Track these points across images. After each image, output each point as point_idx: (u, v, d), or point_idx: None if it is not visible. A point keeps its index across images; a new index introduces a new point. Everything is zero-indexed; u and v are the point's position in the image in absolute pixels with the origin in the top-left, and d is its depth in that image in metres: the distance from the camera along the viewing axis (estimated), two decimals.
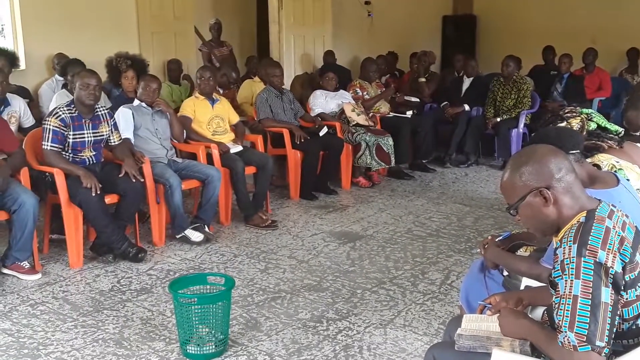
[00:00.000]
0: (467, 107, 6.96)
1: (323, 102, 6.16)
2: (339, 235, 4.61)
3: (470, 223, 4.90)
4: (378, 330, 3.12)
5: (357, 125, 6.04)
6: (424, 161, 6.72)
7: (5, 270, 3.76)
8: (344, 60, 8.27)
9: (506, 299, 2.04)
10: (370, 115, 6.30)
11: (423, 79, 7.47)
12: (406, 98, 7.15)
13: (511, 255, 2.43)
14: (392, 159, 5.99)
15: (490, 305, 2.04)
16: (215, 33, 7.55)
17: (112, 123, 4.27)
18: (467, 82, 7.21)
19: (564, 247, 1.66)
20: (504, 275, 2.51)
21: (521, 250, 2.58)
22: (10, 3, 5.94)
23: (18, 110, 4.67)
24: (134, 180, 4.08)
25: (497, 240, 2.55)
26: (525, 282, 2.28)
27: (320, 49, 8.01)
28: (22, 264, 3.75)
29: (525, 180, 1.77)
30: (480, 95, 7.03)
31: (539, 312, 2.05)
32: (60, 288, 3.64)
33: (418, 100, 7.22)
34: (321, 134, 5.71)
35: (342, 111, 6.14)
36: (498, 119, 6.80)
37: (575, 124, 3.11)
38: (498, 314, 1.92)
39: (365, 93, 6.55)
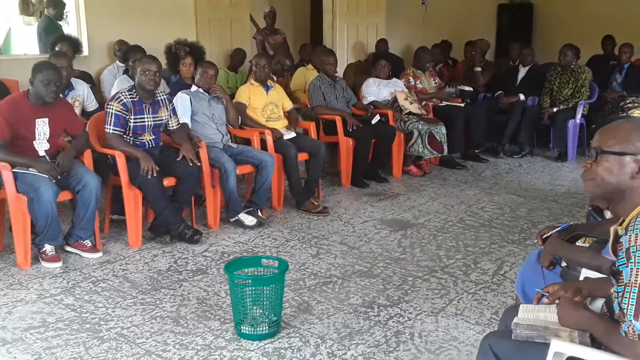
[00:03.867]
0: (522, 97, 6.83)
1: (376, 90, 6.15)
2: (390, 222, 4.62)
3: (524, 214, 4.82)
4: (429, 317, 3.13)
5: (410, 113, 6.01)
6: (476, 151, 6.64)
7: (69, 248, 3.91)
8: (396, 48, 8.22)
9: (565, 288, 2.02)
10: (423, 103, 6.25)
11: (478, 68, 7.36)
12: (460, 87, 7.06)
13: (571, 246, 2.39)
14: (445, 148, 5.95)
15: (548, 294, 2.02)
16: (270, 21, 7.62)
17: (170, 108, 4.38)
18: (522, 72, 7.07)
19: (630, 235, 1.63)
20: (562, 266, 2.48)
21: (580, 241, 2.54)
22: None
23: (82, 94, 4.84)
24: (191, 164, 4.18)
25: (555, 231, 2.51)
26: (585, 273, 2.25)
27: (374, 37, 7.98)
28: (84, 242, 3.90)
29: (638, 142, 1.71)
30: (536, 84, 6.88)
31: (598, 304, 2.01)
32: (120, 266, 3.77)
33: (472, 89, 7.12)
34: (373, 121, 5.71)
35: (394, 99, 6.11)
36: (554, 109, 6.64)
37: (638, 114, 3.03)
38: (556, 304, 1.90)
39: (418, 82, 6.51)
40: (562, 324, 1.85)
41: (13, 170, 3.67)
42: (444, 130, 5.93)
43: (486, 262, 3.85)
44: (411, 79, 6.47)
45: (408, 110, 6.01)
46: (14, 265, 3.73)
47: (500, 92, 6.97)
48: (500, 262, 3.85)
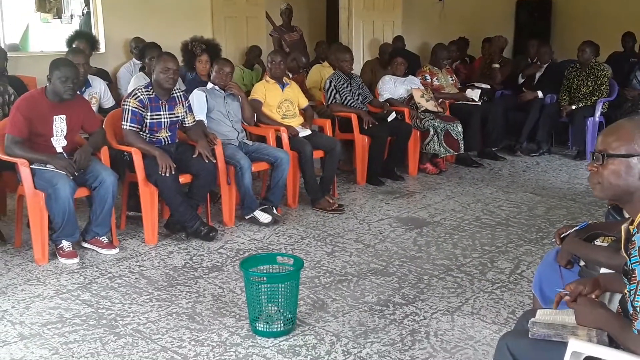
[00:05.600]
0: (540, 94, 6.76)
1: (392, 87, 6.13)
2: (405, 221, 4.60)
3: (541, 213, 4.77)
4: (445, 316, 3.10)
5: (426, 111, 5.97)
6: (493, 149, 6.59)
7: (86, 245, 3.94)
8: (413, 45, 8.18)
9: (582, 283, 1.99)
10: (440, 101, 6.21)
11: (496, 65, 7.30)
12: (477, 84, 7.01)
13: (589, 245, 2.36)
14: (461, 146, 5.91)
15: (568, 293, 1.98)
16: (286, 18, 7.62)
17: (186, 105, 4.39)
18: (541, 69, 7.00)
19: None
20: (580, 266, 2.45)
21: (598, 240, 2.51)
22: None
23: (98, 91, 4.87)
24: (206, 161, 4.19)
25: (573, 230, 2.48)
26: (603, 272, 2.21)
27: (390, 34, 7.95)
28: (101, 238, 3.93)
29: None
30: (555, 82, 6.81)
31: (615, 305, 1.99)
32: (136, 263, 3.79)
33: (489, 86, 7.06)
34: (389, 119, 5.68)
35: (410, 97, 6.08)
36: (573, 107, 6.58)
37: None
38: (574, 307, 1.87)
39: (434, 79, 6.47)
40: (579, 322, 1.83)
41: (31, 166, 3.70)
42: (460, 128, 5.89)
43: (503, 261, 3.82)
44: (428, 76, 6.43)
45: (424, 108, 5.98)
46: (31, 261, 3.76)
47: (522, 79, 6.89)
48: (517, 261, 3.82)
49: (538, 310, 2.09)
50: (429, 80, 6.41)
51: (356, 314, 3.13)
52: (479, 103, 6.52)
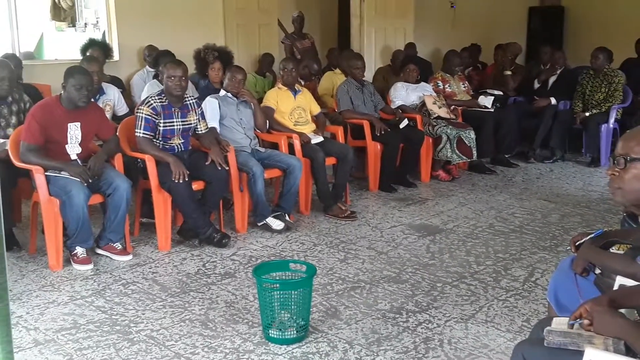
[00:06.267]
0: (553, 101, 6.73)
1: (404, 94, 6.12)
2: (418, 228, 4.58)
3: (555, 220, 4.74)
4: (459, 324, 3.08)
5: (438, 117, 5.96)
6: (506, 156, 6.55)
7: (100, 251, 3.96)
8: (425, 52, 8.18)
9: (598, 303, 1.96)
10: (452, 108, 6.20)
11: (508, 72, 7.28)
12: (489, 91, 6.99)
13: (605, 252, 2.34)
14: (474, 152, 5.89)
15: (580, 321, 1.92)
16: (298, 25, 7.65)
17: (199, 112, 4.41)
18: (555, 73, 6.96)
19: None
20: (596, 274, 2.42)
21: (614, 248, 2.48)
22: None
23: (112, 98, 4.91)
24: (219, 168, 4.20)
25: (589, 238, 2.46)
26: (620, 280, 2.19)
27: (402, 41, 7.95)
28: (115, 245, 3.94)
29: None
30: (568, 88, 6.78)
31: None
32: (149, 269, 3.81)
33: (502, 93, 7.04)
34: (401, 126, 5.68)
35: (423, 103, 6.08)
36: (587, 114, 6.53)
37: None
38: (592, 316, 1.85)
39: (447, 86, 6.46)
40: (596, 331, 1.80)
41: (46, 173, 3.73)
42: (473, 134, 5.87)
43: (517, 268, 3.79)
44: (440, 83, 6.42)
45: (437, 115, 5.97)
46: (46, 267, 3.79)
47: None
48: (531, 268, 3.79)
49: (554, 319, 2.07)
50: (441, 87, 6.40)
51: (369, 322, 3.12)
52: (492, 110, 6.50)
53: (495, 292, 3.45)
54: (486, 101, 6.50)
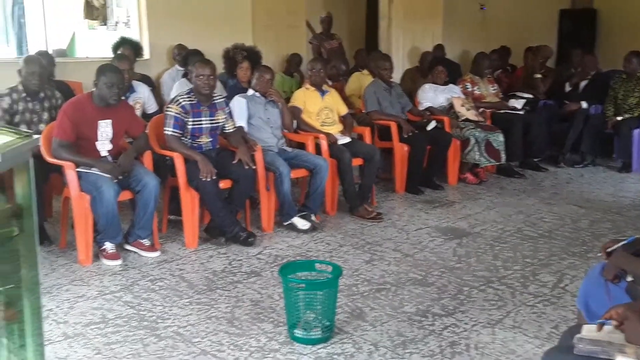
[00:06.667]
0: (584, 105, 6.63)
1: (432, 96, 6.09)
2: (444, 230, 4.55)
3: (585, 226, 4.66)
4: (486, 329, 3.05)
5: (467, 120, 5.92)
6: (535, 160, 6.47)
7: (128, 247, 4.01)
8: (453, 54, 8.12)
9: (630, 309, 1.92)
10: (481, 110, 6.14)
11: (538, 75, 7.18)
12: (519, 94, 6.91)
13: (638, 259, 2.30)
14: (503, 156, 5.83)
15: (609, 322, 1.90)
16: (326, 26, 7.66)
17: (227, 111, 4.44)
18: (585, 79, 6.86)
19: None
20: (627, 281, 2.38)
21: None
22: None
23: (142, 97, 4.96)
24: (246, 167, 4.22)
25: (620, 244, 2.42)
26: None
27: (430, 43, 7.90)
28: (143, 241, 3.99)
29: None
30: (600, 92, 6.66)
31: None
32: (177, 266, 3.84)
33: (532, 96, 6.95)
34: (429, 128, 5.64)
35: (451, 105, 6.03)
36: (619, 118, 6.41)
37: None
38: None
39: (475, 88, 6.40)
40: (627, 340, 1.77)
41: (77, 169, 3.79)
42: (501, 137, 5.81)
43: (545, 274, 3.74)
44: (469, 85, 6.37)
45: (465, 117, 5.92)
46: (75, 262, 3.84)
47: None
48: (560, 274, 3.74)
49: (584, 326, 2.04)
50: (470, 89, 6.34)
51: (395, 324, 3.10)
52: (522, 112, 6.42)
53: (523, 298, 3.41)
54: (517, 103, 6.43)
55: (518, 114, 6.39)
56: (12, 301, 1.99)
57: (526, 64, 7.58)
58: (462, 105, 5.98)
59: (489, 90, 6.50)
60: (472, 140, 5.74)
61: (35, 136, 1.88)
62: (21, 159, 1.80)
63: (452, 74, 6.53)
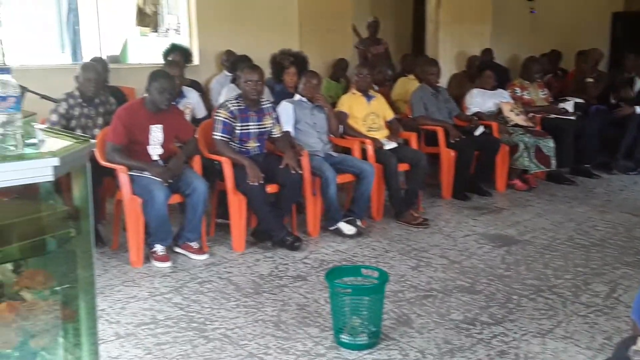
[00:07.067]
0: (638, 110, 6.43)
1: (480, 100, 6.01)
2: (493, 237, 4.48)
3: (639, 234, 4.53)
4: (536, 339, 2.99)
5: (516, 125, 5.82)
6: (587, 166, 6.31)
7: (177, 249, 4.08)
8: (502, 58, 8.00)
9: None
10: (530, 115, 6.03)
11: (590, 79, 7.01)
12: (569, 98, 6.75)
13: None
14: (553, 162, 5.70)
15: None
16: (373, 31, 7.65)
17: (274, 116, 4.48)
18: (639, 83, 6.66)
19: None
20: None
21: None
22: (187, 4, 6.46)
23: (192, 102, 5.06)
24: (293, 172, 4.25)
25: None
26: None
27: (478, 47, 7.81)
28: (192, 244, 4.06)
29: None
30: None
31: None
32: (224, 269, 3.89)
33: (583, 101, 6.79)
34: (477, 133, 5.58)
35: (499, 110, 5.95)
36: None
37: None
38: None
39: (525, 93, 6.28)
40: None
41: (129, 173, 3.89)
42: (551, 143, 5.69)
43: (598, 283, 3.64)
44: (518, 90, 6.26)
45: (514, 122, 5.82)
46: (127, 263, 3.94)
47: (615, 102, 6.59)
48: (613, 284, 3.63)
49: (639, 338, 1.98)
50: (519, 94, 6.23)
51: (442, 331, 3.07)
52: (573, 117, 6.28)
53: (574, 307, 3.32)
54: (567, 105, 6.28)
55: (569, 119, 6.25)
56: (68, 301, 2.06)
57: (577, 68, 7.41)
58: (511, 110, 5.89)
59: (538, 95, 6.38)
60: (522, 146, 5.64)
61: (92, 141, 1.94)
62: (79, 162, 1.86)
63: (501, 79, 6.43)
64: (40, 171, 1.60)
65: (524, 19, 8.51)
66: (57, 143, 1.77)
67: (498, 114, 5.93)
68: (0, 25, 3.79)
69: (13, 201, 1.91)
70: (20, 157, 1.60)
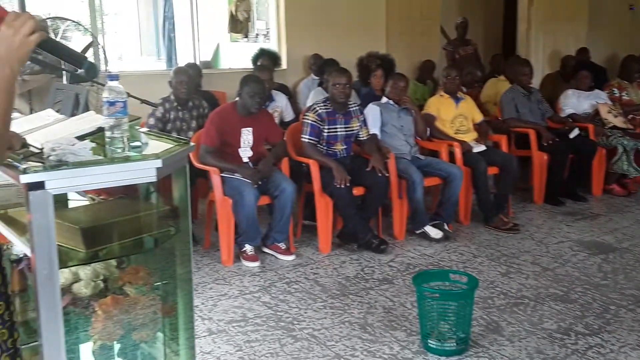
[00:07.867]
0: None
1: (575, 102, 5.78)
2: (588, 245, 4.29)
3: None
4: (636, 351, 2.84)
5: (614, 127, 5.55)
6: None
7: (266, 249, 4.18)
8: (599, 57, 7.65)
9: None
10: (630, 117, 5.73)
11: None
12: None
13: None
14: None
15: None
16: (461, 32, 7.51)
17: (361, 119, 4.49)
18: None
19: None
20: None
21: None
22: (276, 10, 6.60)
23: (281, 105, 5.16)
24: (379, 175, 4.24)
25: None
26: None
27: (573, 46, 7.50)
28: (280, 244, 4.14)
29: None
30: None
31: None
32: (311, 270, 3.94)
33: None
34: (571, 135, 5.36)
35: (596, 112, 5.69)
36: None
37: None
38: None
39: (624, 93, 5.98)
40: None
41: (221, 174, 4.02)
42: None
43: None
44: (616, 91, 5.97)
45: (612, 124, 5.56)
46: (218, 262, 4.07)
47: None
48: None
49: None
50: (618, 95, 5.94)
51: (534, 340, 2.97)
52: None
53: None
54: None
55: None
56: (167, 296, 2.16)
57: None
58: (609, 112, 5.62)
59: (638, 96, 6.05)
60: (620, 149, 5.38)
61: (192, 144, 2.03)
62: (179, 164, 1.95)
63: (598, 79, 6.17)
64: (145, 172, 1.70)
65: (622, 16, 8.10)
66: (159, 145, 1.86)
67: (594, 116, 5.68)
68: (105, 35, 4.01)
69: (119, 200, 2.03)
70: (126, 159, 1.70)
